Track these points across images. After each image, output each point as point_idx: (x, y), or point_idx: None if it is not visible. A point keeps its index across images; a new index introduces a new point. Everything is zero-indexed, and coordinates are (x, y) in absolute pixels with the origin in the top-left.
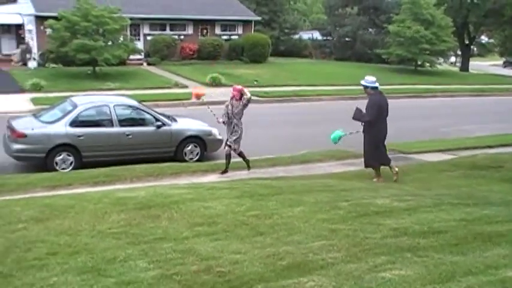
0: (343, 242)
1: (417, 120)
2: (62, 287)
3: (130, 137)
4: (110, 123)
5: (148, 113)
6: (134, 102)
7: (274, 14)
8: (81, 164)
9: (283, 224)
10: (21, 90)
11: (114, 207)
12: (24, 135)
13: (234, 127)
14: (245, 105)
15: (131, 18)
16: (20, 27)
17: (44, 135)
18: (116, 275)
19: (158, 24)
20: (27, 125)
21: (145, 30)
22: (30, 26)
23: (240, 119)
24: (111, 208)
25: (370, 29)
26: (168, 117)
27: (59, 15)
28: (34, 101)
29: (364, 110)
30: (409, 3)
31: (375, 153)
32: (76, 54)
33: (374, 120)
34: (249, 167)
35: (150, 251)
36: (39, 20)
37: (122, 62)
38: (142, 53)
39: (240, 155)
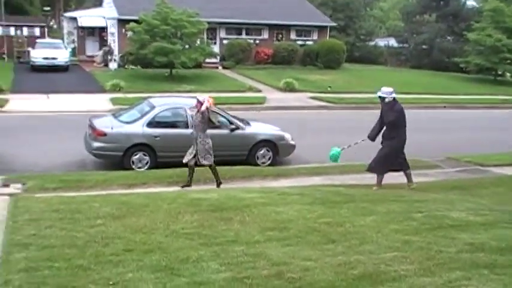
0: (416, 254)
1: (494, 132)
2: (137, 283)
3: None
4: (185, 125)
5: (222, 116)
6: None
7: (350, 20)
8: (156, 163)
9: (355, 233)
10: (102, 90)
11: (188, 208)
12: (104, 134)
13: (196, 139)
14: (203, 117)
15: (208, 22)
16: (103, 30)
17: (123, 134)
18: (188, 275)
19: (234, 28)
20: (107, 124)
21: (222, 34)
22: (112, 29)
23: (203, 131)
24: (184, 208)
25: (449, 37)
26: (241, 120)
27: (139, 19)
28: (113, 101)
29: (385, 120)
30: (490, 10)
31: (390, 160)
32: (154, 57)
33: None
34: (218, 185)
35: (222, 253)
36: (122, 23)
37: (198, 65)
38: (218, 57)
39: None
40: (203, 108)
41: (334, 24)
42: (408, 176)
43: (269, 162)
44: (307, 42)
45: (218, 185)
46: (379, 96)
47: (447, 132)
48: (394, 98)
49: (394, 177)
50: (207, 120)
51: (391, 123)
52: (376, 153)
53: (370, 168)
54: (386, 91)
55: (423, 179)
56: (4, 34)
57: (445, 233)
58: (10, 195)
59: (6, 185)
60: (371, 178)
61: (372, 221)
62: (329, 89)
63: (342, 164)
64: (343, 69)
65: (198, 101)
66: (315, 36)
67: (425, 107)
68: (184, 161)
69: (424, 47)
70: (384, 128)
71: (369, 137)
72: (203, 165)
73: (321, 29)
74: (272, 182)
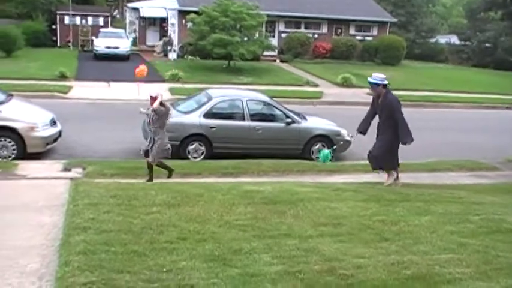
0: (473, 257)
1: None
2: (190, 271)
3: (260, 131)
4: (242, 116)
5: (279, 109)
6: (266, 98)
7: (411, 16)
8: (211, 154)
9: (409, 232)
10: (162, 79)
11: (242, 200)
12: None
13: (154, 137)
14: (157, 114)
15: (268, 15)
16: (164, 20)
17: (180, 124)
18: (240, 266)
19: (293, 22)
20: None
21: (281, 27)
22: (173, 20)
23: (162, 127)
24: (238, 200)
25: None
26: (298, 114)
27: (200, 10)
28: (172, 90)
29: (379, 112)
30: None
31: (390, 156)
32: (213, 48)
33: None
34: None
35: (275, 246)
36: (182, 14)
37: (256, 58)
38: (276, 50)
39: (161, 165)
40: (155, 105)
41: (394, 20)
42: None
43: None
44: (366, 38)
45: (150, 179)
46: (369, 82)
47: (508, 133)
48: (385, 86)
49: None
50: (163, 116)
51: (385, 115)
52: (377, 149)
53: (380, 167)
54: (377, 76)
55: (481, 181)
56: (70, 23)
57: (503, 238)
58: (71, 179)
59: (67, 169)
60: (427, 177)
61: (427, 221)
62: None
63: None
64: (402, 66)
65: (151, 97)
66: (374, 32)
67: (486, 107)
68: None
69: (487, 45)
70: (378, 120)
71: (359, 130)
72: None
73: (381, 24)
74: (326, 177)
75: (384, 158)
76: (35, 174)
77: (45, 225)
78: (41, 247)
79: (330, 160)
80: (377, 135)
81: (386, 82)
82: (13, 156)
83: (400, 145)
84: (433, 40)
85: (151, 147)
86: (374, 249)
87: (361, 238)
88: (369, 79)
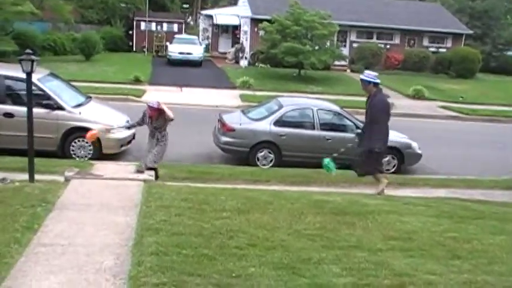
0: None
1: None
2: (259, 278)
3: (330, 141)
4: (312, 126)
5: (349, 119)
6: (336, 108)
7: (488, 28)
8: (280, 162)
9: (483, 251)
10: (232, 86)
11: (311, 209)
12: (233, 130)
13: (158, 140)
14: (163, 117)
15: (340, 25)
16: (236, 28)
17: (250, 131)
18: (309, 276)
19: (365, 32)
20: (236, 120)
21: (352, 37)
22: (245, 28)
23: (165, 129)
24: (307, 209)
25: None
26: None
27: (272, 19)
28: (242, 97)
29: (365, 113)
30: None
31: (375, 161)
32: (284, 57)
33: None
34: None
35: (344, 257)
36: (255, 22)
37: (327, 67)
38: (347, 60)
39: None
40: (168, 113)
41: (470, 32)
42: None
43: (393, 170)
44: (440, 50)
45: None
46: (360, 79)
47: None
48: (376, 85)
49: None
50: (168, 121)
51: (371, 115)
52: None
53: (366, 173)
54: (369, 74)
55: None
56: (146, 29)
57: None
58: (144, 181)
59: (140, 172)
60: (501, 195)
61: (502, 241)
62: (461, 99)
63: (469, 178)
64: (477, 80)
65: (155, 109)
66: (448, 44)
67: None
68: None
69: None
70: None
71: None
72: (150, 168)
73: (456, 36)
74: (395, 190)
75: (367, 165)
76: (110, 175)
77: (119, 225)
78: (115, 246)
79: (335, 168)
80: (358, 138)
81: (378, 81)
82: (89, 156)
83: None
84: (510, 53)
85: (152, 150)
86: (445, 267)
87: (433, 254)
88: (361, 76)
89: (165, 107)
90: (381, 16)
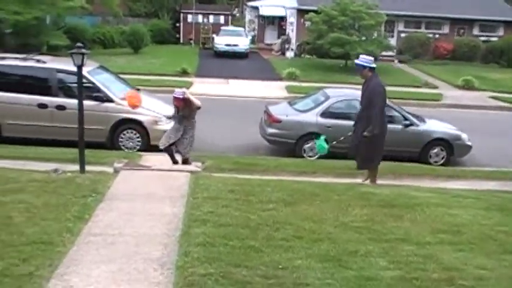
0: None
1: None
2: (305, 270)
3: None
4: None
5: (396, 110)
6: None
7: None
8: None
9: None
10: (278, 77)
11: (358, 201)
12: (279, 121)
13: (185, 131)
14: (190, 106)
15: (387, 15)
16: (282, 19)
17: (297, 122)
18: (356, 269)
19: (413, 21)
20: (282, 112)
21: (400, 27)
22: (291, 19)
23: (194, 118)
24: (354, 201)
25: None
26: (416, 117)
27: (318, 9)
28: (288, 88)
29: (360, 98)
30: None
31: (376, 152)
32: (331, 47)
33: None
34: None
35: (391, 250)
36: (301, 13)
37: (374, 58)
38: (395, 50)
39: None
40: (195, 101)
41: None
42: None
43: (442, 161)
44: (491, 39)
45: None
46: (355, 63)
47: None
48: (372, 69)
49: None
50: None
51: (366, 101)
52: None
53: (365, 166)
54: (364, 58)
55: None
56: (193, 21)
57: None
58: (191, 172)
59: (188, 163)
60: None
61: None
62: None
63: None
64: None
65: (181, 99)
66: (500, 33)
67: None
68: (161, 146)
69: None
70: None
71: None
72: (184, 159)
73: (508, 24)
74: (444, 182)
75: (367, 160)
76: (157, 166)
77: (167, 216)
78: (162, 236)
79: (327, 150)
80: (354, 125)
81: (373, 65)
82: (137, 147)
83: None
84: None
85: (180, 140)
86: (497, 261)
87: (483, 248)
88: (356, 60)
89: (191, 96)
90: (429, 5)
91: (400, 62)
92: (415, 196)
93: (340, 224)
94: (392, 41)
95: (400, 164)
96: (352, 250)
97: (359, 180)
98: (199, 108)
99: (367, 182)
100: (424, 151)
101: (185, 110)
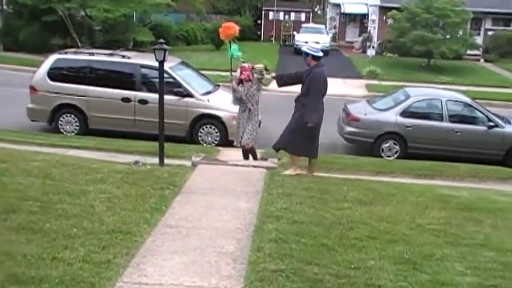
0: None
1: None
2: (378, 272)
3: (459, 134)
4: (440, 117)
5: (480, 111)
6: (467, 99)
7: None
8: (406, 154)
9: None
10: (359, 76)
11: (435, 203)
12: (358, 119)
13: (250, 114)
14: (259, 83)
15: (474, 12)
16: (364, 17)
17: (376, 121)
18: (431, 273)
19: (502, 19)
20: (361, 110)
21: (487, 25)
22: (373, 16)
23: (257, 104)
24: (432, 203)
25: None
26: (501, 118)
27: (402, 7)
28: (368, 87)
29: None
30: None
31: (307, 143)
32: (413, 46)
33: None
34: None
35: (469, 255)
36: (383, 10)
37: (458, 57)
38: (481, 49)
39: (252, 151)
40: (260, 67)
41: None
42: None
43: None
44: None
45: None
46: (302, 51)
47: None
48: (317, 58)
49: None
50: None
51: (305, 89)
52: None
53: (278, 146)
54: (312, 47)
55: None
56: (274, 19)
57: None
58: (267, 168)
59: (264, 159)
60: None
61: None
62: None
63: None
64: None
65: (247, 68)
66: None
67: None
68: (240, 144)
69: None
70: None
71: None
72: (243, 148)
73: None
74: None
75: (288, 139)
76: (234, 161)
77: (241, 211)
78: (236, 231)
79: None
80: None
81: (318, 54)
82: (216, 142)
83: None
84: None
85: (246, 127)
86: None
87: None
88: (302, 48)
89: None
90: None
91: (486, 61)
92: (497, 200)
93: (416, 226)
94: (479, 40)
95: (482, 167)
96: (427, 253)
97: (438, 182)
98: (262, 76)
99: (291, 173)
100: (509, 154)
101: (251, 89)
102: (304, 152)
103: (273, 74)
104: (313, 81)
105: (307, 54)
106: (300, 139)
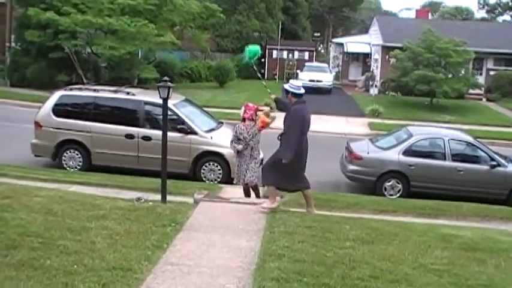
0: None
1: None
2: None
3: (462, 173)
4: (443, 156)
5: (483, 150)
6: (469, 138)
7: None
8: (408, 192)
9: None
10: (361, 114)
11: (438, 243)
12: (360, 158)
13: (252, 152)
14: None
15: (476, 52)
16: (367, 56)
17: (378, 160)
18: None
19: (504, 59)
20: (363, 149)
21: (489, 64)
22: (376, 55)
23: (259, 142)
24: (435, 243)
25: None
26: (504, 157)
27: (404, 46)
28: (371, 125)
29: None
30: None
31: (284, 175)
32: (416, 85)
33: (300, 138)
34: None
35: None
36: (386, 50)
37: (460, 96)
38: (483, 88)
39: (255, 188)
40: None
41: None
42: (307, 199)
43: None
44: None
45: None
46: (285, 89)
47: None
48: (297, 95)
49: None
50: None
51: (286, 125)
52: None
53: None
54: (292, 84)
55: None
56: (278, 57)
57: None
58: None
59: (266, 197)
60: None
61: None
62: None
63: None
64: None
65: (251, 108)
66: None
67: None
68: (243, 182)
69: None
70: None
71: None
72: (246, 186)
73: None
74: None
75: (267, 172)
76: (236, 199)
77: (243, 249)
78: (237, 269)
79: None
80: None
81: (298, 91)
82: (218, 180)
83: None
84: None
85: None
86: None
87: None
88: (284, 85)
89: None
90: None
91: (488, 100)
92: (501, 240)
93: (419, 265)
94: (481, 79)
95: (486, 206)
96: None
97: (441, 221)
98: (267, 123)
99: (269, 206)
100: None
101: (253, 128)
102: (279, 182)
103: (273, 96)
104: (292, 119)
105: (287, 91)
106: (275, 171)
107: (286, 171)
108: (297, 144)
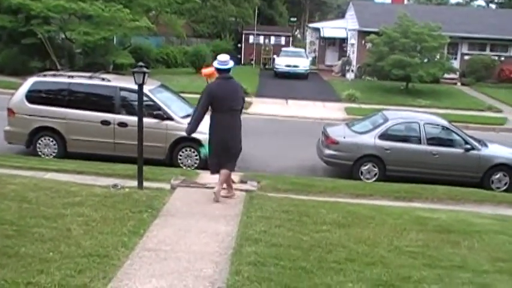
0: None
1: None
2: None
3: (436, 156)
4: (418, 140)
5: (458, 134)
6: (444, 122)
7: None
8: (384, 176)
9: None
10: (338, 99)
11: (413, 226)
12: (337, 142)
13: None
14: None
15: (450, 37)
16: (343, 41)
17: (354, 144)
18: None
19: (478, 44)
20: (339, 133)
21: (464, 49)
22: (352, 40)
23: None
24: (410, 226)
25: None
26: (478, 141)
27: (380, 31)
28: (347, 110)
29: None
30: None
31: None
32: (391, 69)
33: (203, 114)
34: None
35: (446, 277)
36: (362, 34)
37: (435, 80)
38: (458, 73)
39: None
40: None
41: None
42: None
43: (505, 187)
44: None
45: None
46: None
47: None
48: (221, 71)
49: None
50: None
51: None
52: None
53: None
54: (220, 59)
55: None
56: (254, 42)
57: None
58: (246, 191)
59: (243, 182)
60: None
61: None
62: None
63: None
64: None
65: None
66: None
67: None
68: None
69: None
70: None
71: None
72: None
73: None
74: (507, 209)
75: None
76: (213, 184)
77: (220, 234)
78: (214, 254)
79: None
80: None
81: (221, 66)
82: (195, 165)
83: None
84: None
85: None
86: None
87: None
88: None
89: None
90: (494, 27)
91: (463, 84)
92: (474, 222)
93: (394, 248)
94: (455, 64)
95: (459, 189)
96: (405, 275)
97: (416, 204)
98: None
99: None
100: (486, 176)
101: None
102: (212, 167)
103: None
104: (202, 93)
105: (216, 69)
106: (209, 159)
107: (213, 154)
108: (198, 119)
